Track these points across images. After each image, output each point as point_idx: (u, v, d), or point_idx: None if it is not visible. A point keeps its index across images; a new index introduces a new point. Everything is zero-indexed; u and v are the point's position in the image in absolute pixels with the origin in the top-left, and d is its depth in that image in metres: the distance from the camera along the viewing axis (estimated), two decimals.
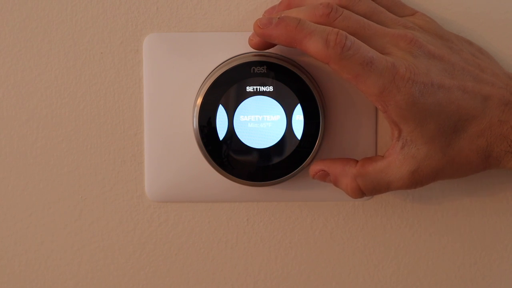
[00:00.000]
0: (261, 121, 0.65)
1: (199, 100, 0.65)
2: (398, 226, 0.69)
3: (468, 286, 0.70)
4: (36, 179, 0.69)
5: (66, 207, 0.69)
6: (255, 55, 0.65)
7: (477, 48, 0.65)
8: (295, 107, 0.64)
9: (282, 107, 0.65)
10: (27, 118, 0.68)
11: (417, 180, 0.61)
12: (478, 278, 0.69)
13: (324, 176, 0.64)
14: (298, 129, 0.65)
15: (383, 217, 0.69)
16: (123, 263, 0.70)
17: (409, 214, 0.69)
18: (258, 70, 0.64)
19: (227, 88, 0.65)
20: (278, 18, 0.60)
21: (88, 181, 0.69)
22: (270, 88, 0.64)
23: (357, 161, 0.63)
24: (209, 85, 0.64)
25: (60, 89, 0.68)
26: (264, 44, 0.63)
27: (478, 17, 0.67)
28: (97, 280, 0.70)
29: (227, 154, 0.65)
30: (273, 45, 0.63)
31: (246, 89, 0.65)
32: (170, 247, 0.69)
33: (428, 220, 0.69)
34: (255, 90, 0.65)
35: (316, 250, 0.69)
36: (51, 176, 0.69)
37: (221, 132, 0.65)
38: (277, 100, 0.64)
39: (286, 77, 0.64)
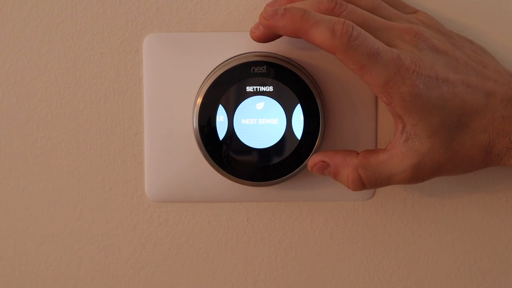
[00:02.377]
0: (261, 121, 0.65)
1: (199, 100, 0.65)
2: (398, 226, 0.69)
3: (468, 286, 0.70)
4: (36, 179, 0.69)
5: (66, 207, 0.69)
6: (255, 55, 0.65)
7: (478, 46, 0.65)
8: (295, 107, 0.64)
9: (282, 107, 0.64)
10: (27, 118, 0.68)
11: (418, 174, 0.61)
12: (478, 278, 0.69)
13: (324, 168, 0.63)
14: (298, 129, 0.65)
15: (383, 217, 0.69)
16: (123, 263, 0.70)
17: (409, 214, 0.69)
18: (258, 70, 0.64)
19: (227, 88, 0.65)
20: (284, 8, 0.59)
21: (88, 181, 0.69)
22: (270, 88, 0.64)
23: (358, 153, 0.63)
24: (209, 85, 0.64)
25: (60, 89, 0.68)
26: (266, 36, 0.62)
27: (478, 16, 0.67)
28: (97, 280, 0.70)
29: (227, 154, 0.65)
30: (274, 38, 0.63)
31: (246, 89, 0.65)
32: (170, 247, 0.69)
33: (428, 220, 0.69)
34: (255, 90, 0.65)
35: (316, 250, 0.69)
36: (51, 176, 0.69)
37: (221, 132, 0.65)
38: (277, 100, 0.64)
39: (286, 77, 0.64)
